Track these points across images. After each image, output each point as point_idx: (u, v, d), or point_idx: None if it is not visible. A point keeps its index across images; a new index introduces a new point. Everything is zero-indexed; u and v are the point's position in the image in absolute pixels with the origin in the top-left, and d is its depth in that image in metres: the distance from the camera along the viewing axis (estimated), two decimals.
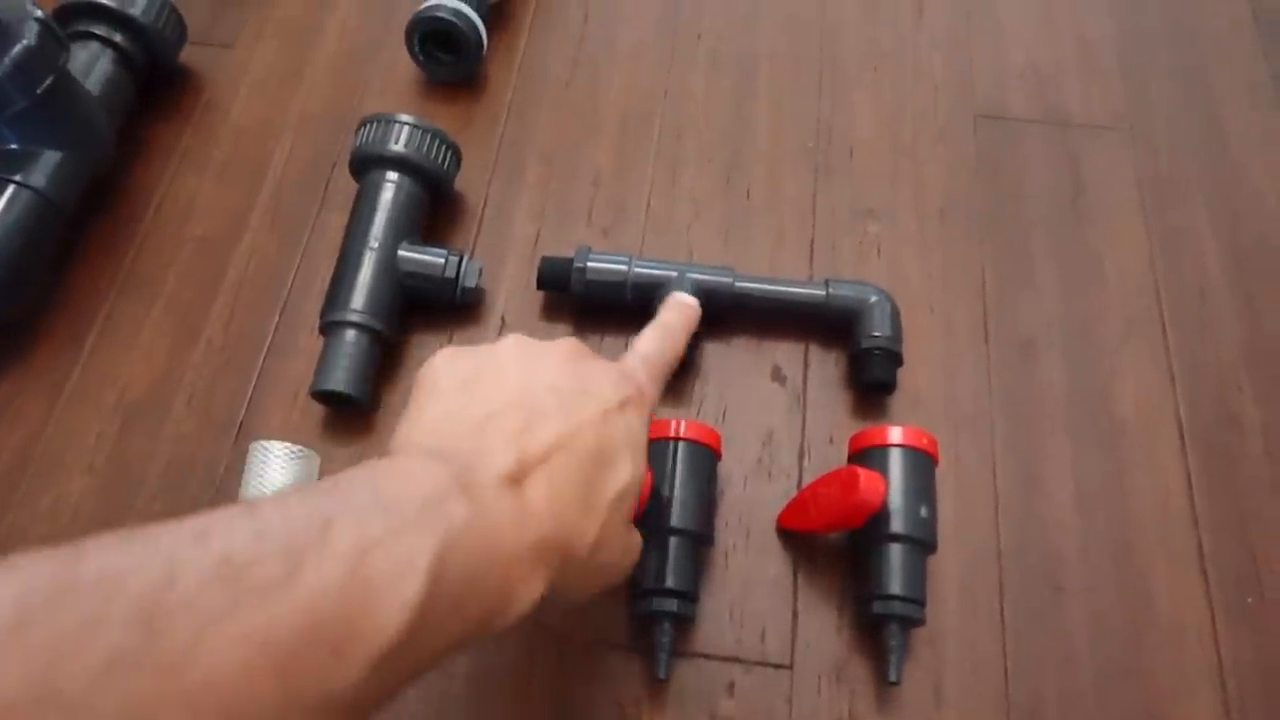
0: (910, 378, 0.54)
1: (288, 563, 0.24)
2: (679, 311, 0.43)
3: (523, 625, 0.30)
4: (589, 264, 0.53)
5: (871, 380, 0.52)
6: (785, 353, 0.55)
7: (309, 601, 0.23)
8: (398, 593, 0.25)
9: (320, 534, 0.25)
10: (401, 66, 0.65)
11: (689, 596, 0.45)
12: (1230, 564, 0.49)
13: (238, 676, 0.22)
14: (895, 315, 0.53)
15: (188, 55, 0.65)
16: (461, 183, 0.60)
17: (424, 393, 0.34)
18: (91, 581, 0.22)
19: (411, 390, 0.35)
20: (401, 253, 0.53)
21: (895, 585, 0.44)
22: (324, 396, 0.51)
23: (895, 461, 0.46)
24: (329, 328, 0.51)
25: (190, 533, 0.24)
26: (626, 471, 0.34)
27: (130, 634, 0.21)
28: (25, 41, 0.50)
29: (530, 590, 0.30)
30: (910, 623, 0.45)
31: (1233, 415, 0.54)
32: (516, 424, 0.32)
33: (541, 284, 0.54)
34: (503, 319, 0.56)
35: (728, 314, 0.54)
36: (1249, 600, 0.48)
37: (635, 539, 0.37)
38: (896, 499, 0.45)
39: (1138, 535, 0.50)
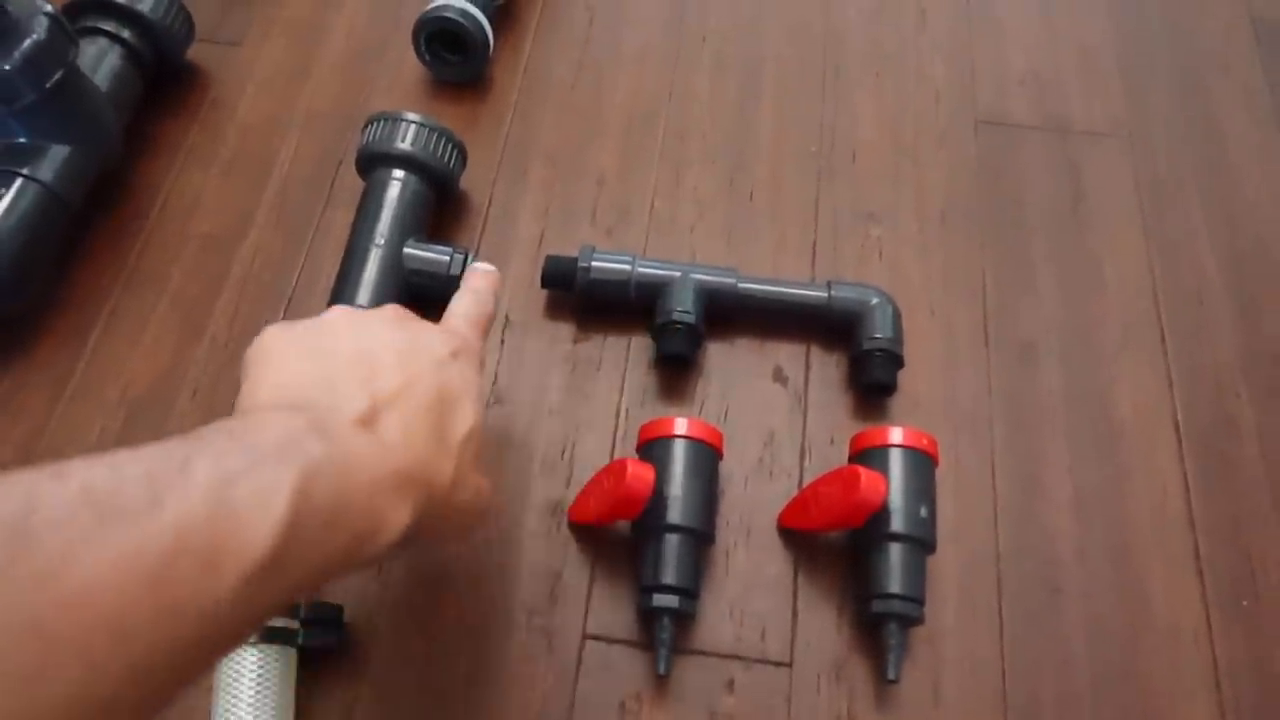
0: (911, 380, 0.54)
1: (150, 491, 0.24)
2: (483, 275, 0.45)
3: (396, 557, 0.32)
4: (593, 263, 0.54)
5: (872, 382, 0.52)
6: (787, 354, 0.55)
7: (175, 523, 0.24)
8: (263, 516, 0.26)
9: (179, 467, 0.25)
10: (408, 66, 0.65)
11: (690, 593, 0.45)
12: (1226, 567, 0.50)
13: (112, 587, 0.22)
14: (896, 317, 0.53)
15: (195, 53, 0.65)
16: (467, 182, 0.60)
17: (260, 365, 0.35)
18: None
19: (244, 368, 0.35)
20: (407, 250, 0.53)
21: (895, 584, 0.45)
22: None
23: (896, 462, 0.46)
24: None
25: (46, 472, 0.24)
26: (470, 413, 0.36)
27: (13, 542, 0.22)
28: (35, 36, 0.50)
29: (397, 517, 0.31)
30: (909, 621, 0.45)
31: (1230, 419, 0.54)
32: (361, 374, 0.33)
33: (545, 283, 0.55)
34: (506, 317, 0.56)
35: (730, 315, 0.55)
36: (1245, 603, 0.49)
37: (484, 482, 0.38)
38: (896, 499, 0.45)
39: (1135, 538, 0.50)
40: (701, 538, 0.46)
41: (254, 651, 0.43)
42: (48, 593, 0.22)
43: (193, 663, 0.26)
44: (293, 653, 0.44)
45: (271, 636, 0.43)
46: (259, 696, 0.42)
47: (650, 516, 0.45)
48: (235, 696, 0.42)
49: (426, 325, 0.38)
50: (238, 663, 0.42)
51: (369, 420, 0.32)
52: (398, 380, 0.34)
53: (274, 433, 0.29)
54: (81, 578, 0.22)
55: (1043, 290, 0.58)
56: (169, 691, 0.25)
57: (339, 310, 0.38)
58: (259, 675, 0.42)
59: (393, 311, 0.38)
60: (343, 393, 0.32)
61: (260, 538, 0.26)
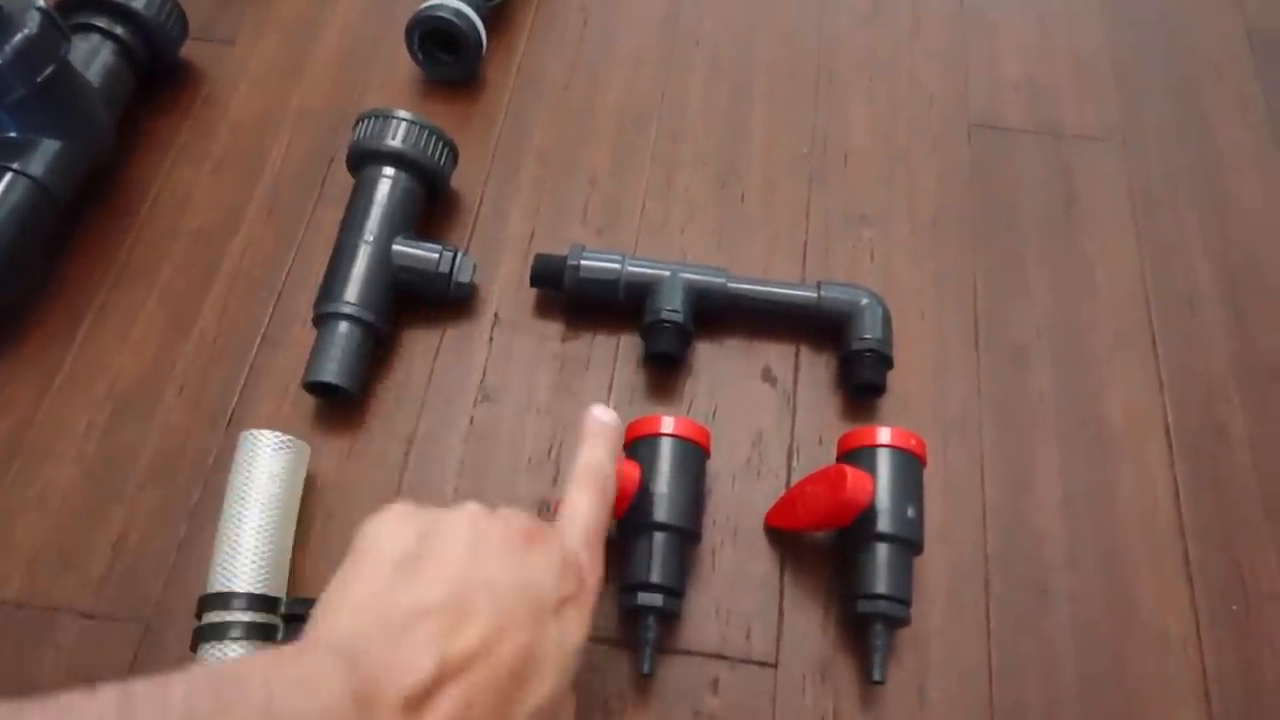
0: (900, 381, 0.54)
1: None
2: (604, 439, 0.41)
3: None
4: (582, 262, 0.53)
5: (861, 382, 0.52)
6: (776, 354, 0.55)
7: None
8: None
9: None
10: (401, 65, 0.65)
11: (675, 592, 0.45)
12: (1216, 572, 0.49)
13: None
14: (886, 318, 0.53)
15: (189, 50, 0.65)
16: (458, 181, 0.60)
17: (361, 558, 0.33)
18: None
19: (353, 539, 0.34)
20: (396, 247, 0.53)
21: (881, 584, 0.44)
22: (315, 388, 0.51)
23: (883, 462, 0.46)
24: (322, 320, 0.51)
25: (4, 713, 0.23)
26: (548, 686, 0.32)
27: None
28: (27, 30, 0.50)
29: None
30: (895, 622, 0.45)
31: (1221, 425, 0.54)
32: (442, 624, 0.30)
33: (534, 281, 0.55)
34: (496, 315, 0.56)
35: (720, 314, 0.55)
36: (1234, 608, 0.48)
37: None
38: (884, 499, 0.45)
39: (1125, 542, 0.50)
40: (688, 536, 0.46)
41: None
42: None
43: None
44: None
45: (251, 633, 0.42)
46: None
47: (636, 514, 0.45)
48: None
49: (546, 557, 0.34)
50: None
51: (424, 698, 0.28)
52: (480, 635, 0.30)
53: (313, 706, 0.26)
54: None
55: (1034, 294, 0.58)
56: None
57: (465, 514, 0.35)
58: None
59: (521, 529, 0.35)
60: (412, 650, 0.29)
61: None
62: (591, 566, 0.36)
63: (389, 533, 0.33)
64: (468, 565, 0.32)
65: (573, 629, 0.34)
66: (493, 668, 0.30)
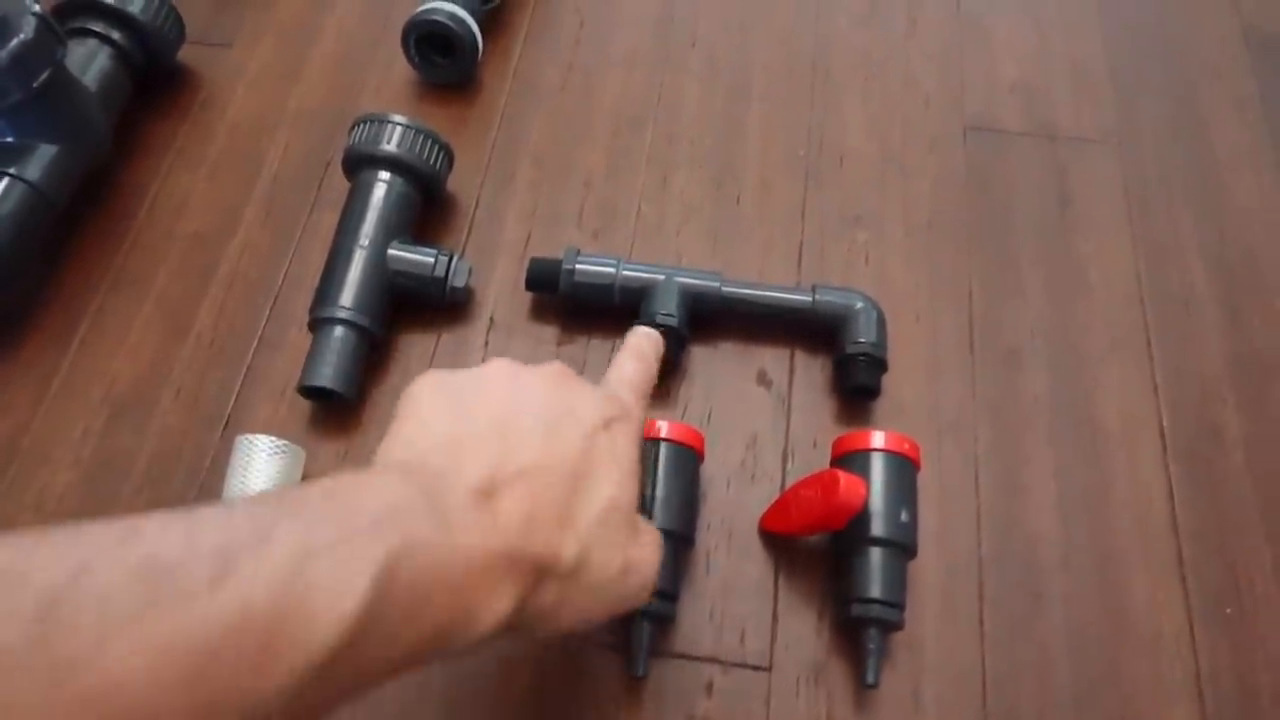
0: (895, 384, 0.54)
1: (217, 565, 0.22)
2: (646, 338, 0.43)
3: (499, 645, 0.29)
4: (577, 266, 0.54)
5: (856, 386, 0.52)
6: (771, 357, 0.55)
7: (233, 607, 0.22)
8: (336, 601, 0.23)
9: (260, 537, 0.23)
10: (397, 68, 0.65)
11: (668, 595, 0.45)
12: (1210, 574, 0.49)
13: (140, 684, 0.20)
14: (880, 322, 0.53)
15: (186, 54, 0.65)
16: (454, 185, 0.60)
17: (405, 414, 0.33)
18: (9, 572, 0.21)
19: (394, 413, 0.34)
20: (392, 251, 0.53)
21: (875, 588, 0.44)
22: (311, 392, 0.51)
23: (877, 465, 0.46)
24: (318, 324, 0.51)
25: (118, 531, 0.23)
26: (610, 487, 0.33)
27: (21, 632, 0.20)
28: (22, 35, 0.50)
29: (495, 605, 0.28)
30: (889, 626, 0.45)
31: (1215, 427, 0.54)
32: (494, 443, 0.31)
33: (530, 285, 0.55)
34: (491, 319, 0.56)
35: (715, 318, 0.55)
36: (1228, 610, 0.48)
37: (639, 557, 0.34)
38: (877, 503, 0.45)
39: (1119, 544, 0.50)
40: (681, 540, 0.46)
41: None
42: (68, 687, 0.20)
43: None
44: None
45: None
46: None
47: None
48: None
49: (584, 387, 0.36)
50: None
51: (489, 492, 0.29)
52: (534, 451, 0.31)
53: (378, 499, 0.27)
54: (111, 669, 0.20)
55: (1029, 296, 0.58)
56: None
57: (499, 365, 0.36)
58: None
59: (554, 371, 0.36)
60: (471, 458, 0.30)
61: (327, 628, 0.23)
62: (633, 401, 0.38)
63: (428, 389, 0.34)
64: (511, 399, 0.33)
65: (624, 443, 0.35)
66: (551, 472, 0.31)
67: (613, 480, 0.33)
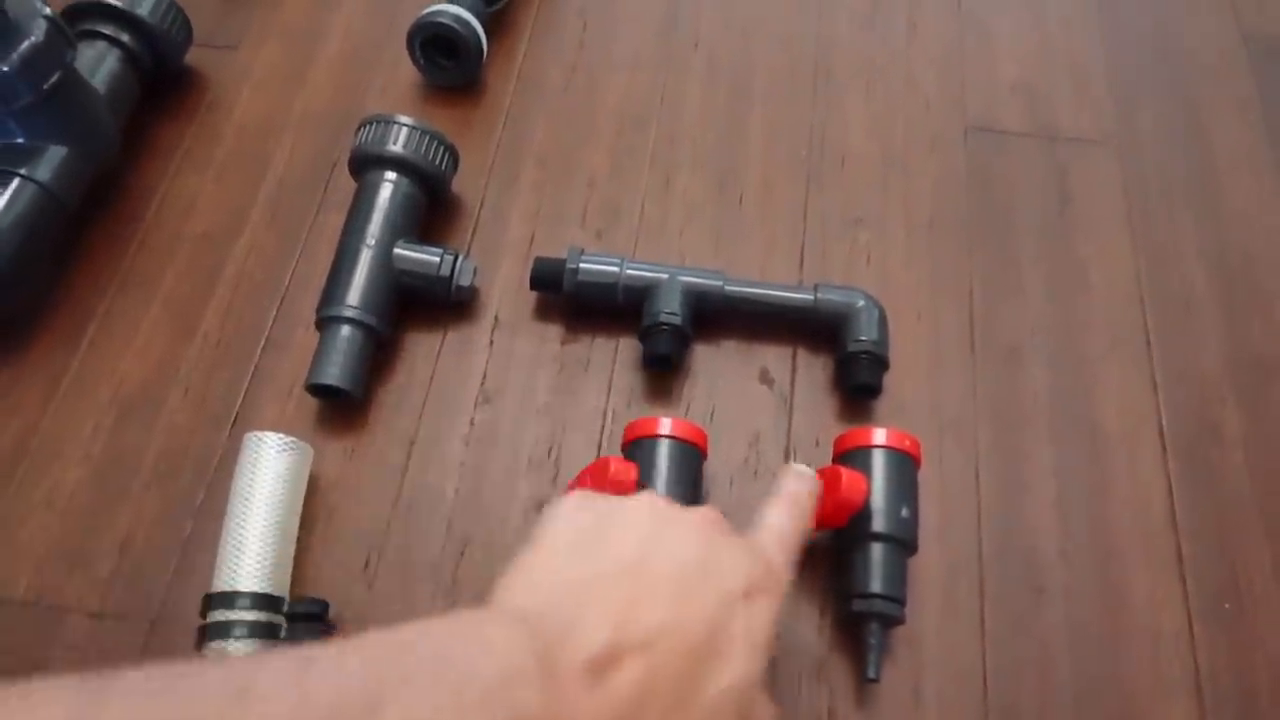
0: (896, 383, 0.55)
1: None
2: (802, 482, 0.41)
3: None
4: (581, 265, 0.54)
5: (858, 384, 0.52)
6: (774, 356, 0.56)
7: None
8: None
9: (370, 708, 0.23)
10: (403, 70, 0.66)
11: None
12: (1209, 571, 0.50)
13: None
14: (882, 320, 0.53)
15: (193, 57, 0.66)
16: (458, 185, 0.61)
17: (538, 542, 0.32)
18: None
19: (532, 533, 0.33)
20: (397, 251, 0.54)
21: (876, 584, 0.45)
22: (318, 390, 0.51)
23: (878, 462, 0.47)
24: (325, 323, 0.52)
25: (231, 688, 0.22)
26: (737, 670, 0.30)
27: None
28: (33, 38, 0.51)
29: None
30: (890, 621, 0.45)
31: (1214, 425, 0.54)
32: (624, 595, 0.29)
33: (534, 284, 0.55)
34: (496, 318, 0.57)
35: (718, 317, 0.55)
36: (1227, 606, 0.49)
37: None
38: (879, 499, 0.46)
39: (1118, 541, 0.50)
40: None
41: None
42: None
43: None
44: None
45: (255, 631, 0.43)
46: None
47: None
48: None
49: (733, 547, 0.33)
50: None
51: (606, 665, 0.27)
52: (663, 614, 0.29)
53: (493, 664, 0.25)
54: None
55: (1029, 295, 0.58)
56: None
57: (648, 499, 0.34)
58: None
59: (704, 519, 0.34)
60: (596, 613, 0.28)
61: None
62: (782, 564, 0.36)
63: (566, 516, 0.33)
64: (651, 541, 0.31)
65: (762, 619, 0.32)
66: (677, 644, 0.29)
67: (740, 662, 0.30)
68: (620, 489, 0.44)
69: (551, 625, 0.28)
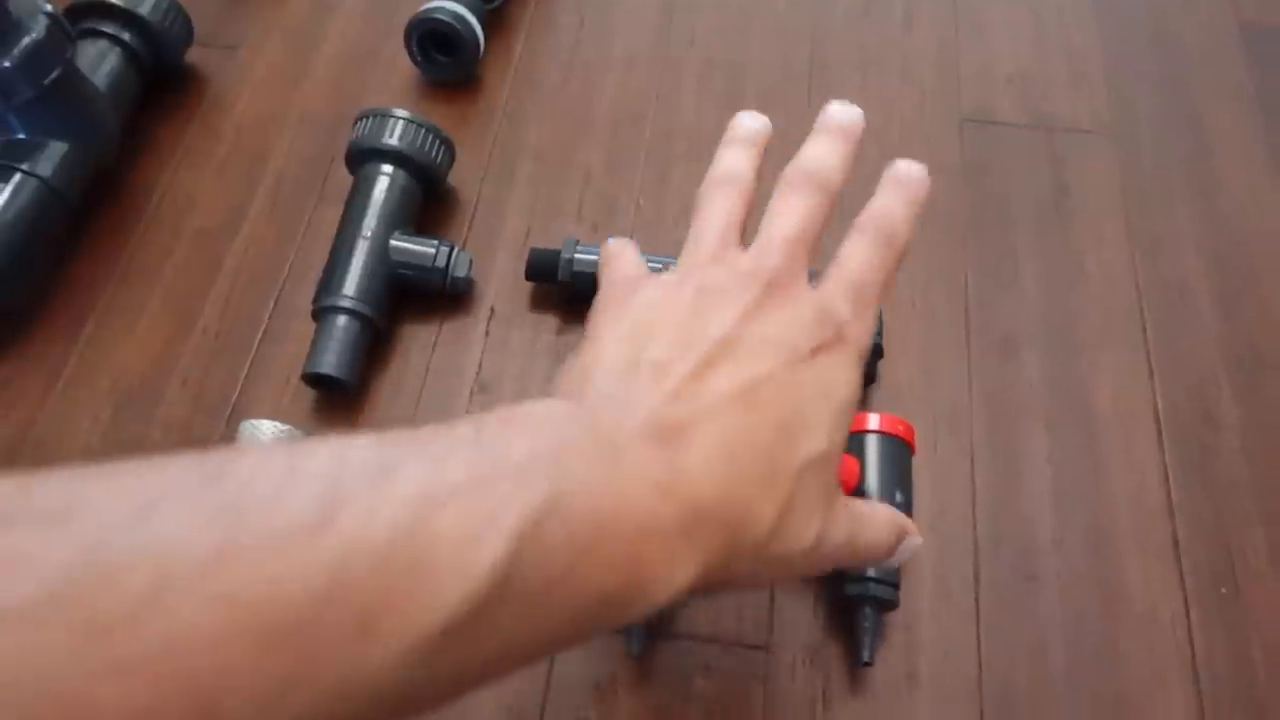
0: (891, 371, 0.55)
1: (322, 504, 0.18)
2: (901, 190, 0.33)
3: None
4: (576, 255, 0.54)
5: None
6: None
7: (335, 555, 0.18)
8: (466, 556, 0.19)
9: (381, 476, 0.19)
10: (401, 68, 0.66)
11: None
12: (1205, 556, 0.49)
13: (202, 648, 0.16)
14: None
15: (194, 56, 0.67)
16: (455, 180, 0.61)
17: (585, 340, 0.29)
18: (39, 514, 0.17)
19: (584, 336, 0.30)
20: (394, 242, 0.54)
21: (870, 567, 0.45)
22: (314, 380, 0.52)
23: (871, 447, 0.47)
24: (321, 313, 0.52)
25: (201, 470, 0.19)
26: (821, 436, 0.27)
27: (45, 582, 0.16)
28: (34, 34, 0.52)
29: (672, 575, 0.23)
30: (884, 604, 0.45)
31: (1210, 413, 0.54)
32: (679, 369, 0.26)
33: (530, 275, 0.55)
34: (492, 309, 0.57)
35: None
36: (1223, 591, 0.48)
37: (833, 526, 0.28)
38: (871, 483, 0.46)
39: (1113, 527, 0.50)
40: None
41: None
42: (104, 650, 0.16)
43: None
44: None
45: None
46: None
47: None
48: None
49: (794, 302, 0.29)
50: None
51: (675, 428, 0.24)
52: (729, 381, 0.26)
53: (534, 437, 0.22)
54: (167, 629, 0.16)
55: (1025, 285, 0.58)
56: None
57: (696, 271, 0.30)
58: None
59: (755, 278, 0.29)
60: (650, 386, 0.25)
61: (454, 588, 0.19)
62: (854, 318, 0.30)
63: (610, 309, 0.30)
64: (704, 311, 0.28)
65: (835, 378, 0.28)
66: (750, 411, 0.26)
67: (824, 432, 0.27)
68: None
69: (606, 404, 0.25)
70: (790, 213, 0.32)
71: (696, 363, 0.26)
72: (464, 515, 0.19)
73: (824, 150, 0.34)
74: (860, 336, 0.30)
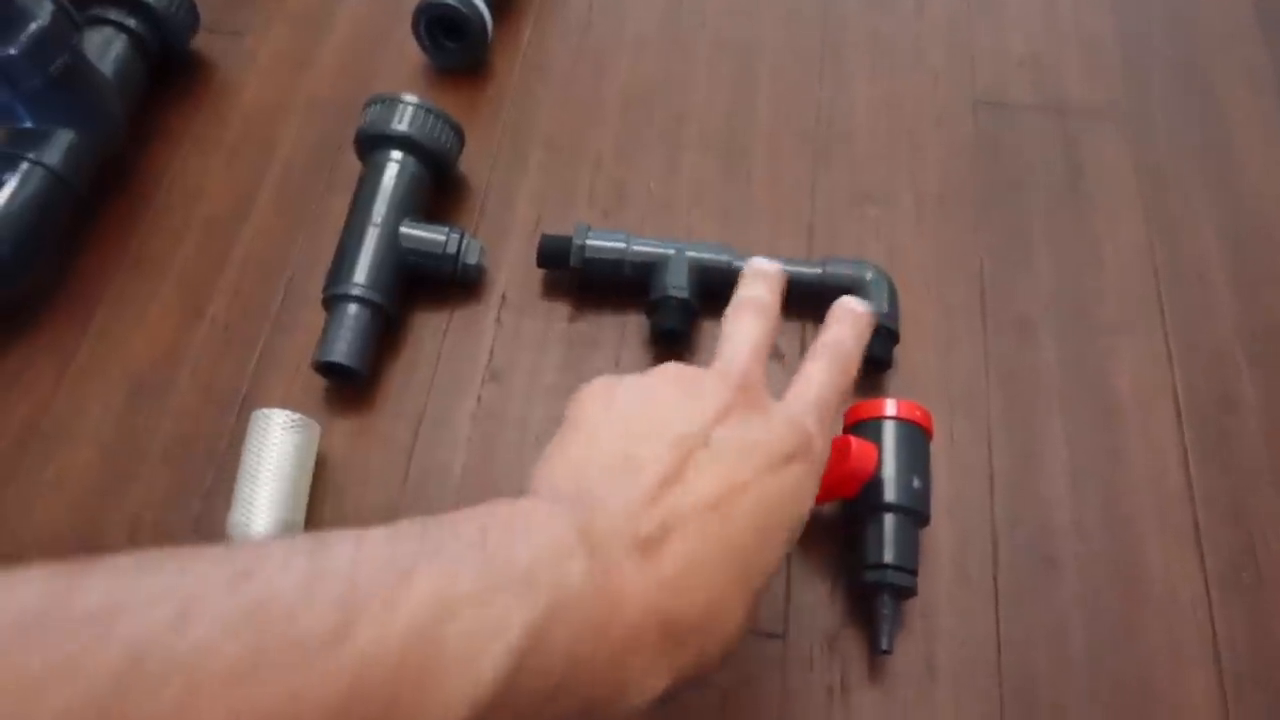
0: (907, 356, 0.54)
1: (341, 617, 0.19)
2: (848, 325, 0.36)
3: None
4: (588, 241, 0.54)
5: (868, 357, 0.51)
6: (783, 331, 0.55)
7: (351, 668, 0.19)
8: (474, 665, 0.20)
9: (396, 583, 0.20)
10: (409, 54, 0.66)
11: None
12: (1226, 541, 0.49)
13: None
14: (892, 293, 0.53)
15: (200, 43, 0.66)
16: (465, 167, 0.61)
17: (569, 425, 0.31)
18: (83, 616, 0.18)
19: (563, 417, 0.32)
20: (404, 229, 0.54)
21: (888, 554, 0.44)
22: (324, 368, 0.51)
23: (889, 433, 0.46)
24: (331, 301, 0.52)
25: (229, 570, 0.20)
26: (785, 542, 0.29)
27: (93, 689, 0.17)
28: (40, 21, 0.51)
29: (649, 683, 0.24)
30: (903, 591, 0.45)
31: (1230, 396, 0.53)
32: (666, 469, 0.27)
33: (541, 261, 0.55)
34: (503, 297, 0.56)
35: (726, 292, 0.54)
36: (1244, 576, 0.48)
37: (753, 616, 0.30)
38: (889, 469, 0.45)
39: (1133, 511, 0.50)
40: None
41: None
42: None
43: None
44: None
45: None
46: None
47: None
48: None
49: (766, 411, 0.31)
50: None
51: (655, 542, 0.26)
52: (710, 487, 0.27)
53: (534, 544, 0.23)
54: None
55: (1040, 268, 0.58)
56: None
57: (671, 370, 0.32)
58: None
59: (732, 384, 0.31)
60: (636, 493, 0.27)
61: (460, 699, 0.20)
62: (818, 434, 0.32)
63: (594, 397, 0.32)
64: (685, 413, 0.30)
65: (803, 488, 0.30)
66: (726, 522, 0.27)
67: (791, 533, 0.29)
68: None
69: (592, 503, 0.26)
70: (749, 331, 0.35)
71: (679, 462, 0.28)
72: (473, 625, 0.21)
73: (761, 289, 0.38)
74: (823, 452, 0.33)
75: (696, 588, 0.26)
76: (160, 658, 0.18)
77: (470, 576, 0.22)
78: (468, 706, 0.20)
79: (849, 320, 0.38)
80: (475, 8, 0.62)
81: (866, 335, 0.38)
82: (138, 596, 0.19)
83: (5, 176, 0.53)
